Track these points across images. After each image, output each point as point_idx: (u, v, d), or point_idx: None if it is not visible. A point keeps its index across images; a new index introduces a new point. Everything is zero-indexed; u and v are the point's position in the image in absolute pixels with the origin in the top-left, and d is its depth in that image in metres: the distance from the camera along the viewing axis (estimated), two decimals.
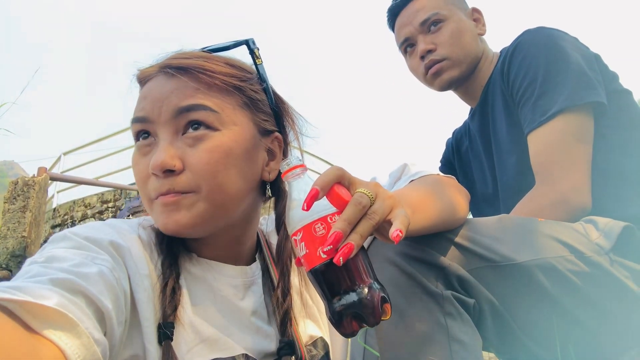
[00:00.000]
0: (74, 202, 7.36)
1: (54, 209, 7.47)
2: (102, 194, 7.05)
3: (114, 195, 6.97)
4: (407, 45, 1.35)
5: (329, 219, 0.59)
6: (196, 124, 0.71)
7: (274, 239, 0.89)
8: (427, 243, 0.79)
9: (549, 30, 1.13)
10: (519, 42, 1.14)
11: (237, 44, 0.82)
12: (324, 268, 0.57)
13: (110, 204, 6.94)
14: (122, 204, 6.82)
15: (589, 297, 0.79)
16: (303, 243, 0.60)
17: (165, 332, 0.66)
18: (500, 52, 1.28)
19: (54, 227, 7.21)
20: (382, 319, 0.58)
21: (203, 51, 0.80)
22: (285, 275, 0.81)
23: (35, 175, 3.29)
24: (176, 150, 0.70)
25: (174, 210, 0.69)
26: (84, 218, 6.99)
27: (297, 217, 0.61)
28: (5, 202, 3.10)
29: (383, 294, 0.58)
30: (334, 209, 0.60)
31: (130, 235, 0.72)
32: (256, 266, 0.84)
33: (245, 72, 0.79)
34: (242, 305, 0.78)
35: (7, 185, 3.24)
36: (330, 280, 0.58)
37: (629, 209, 0.98)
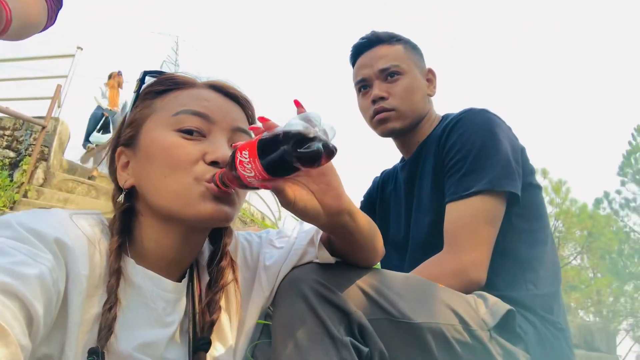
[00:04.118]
0: None
1: None
2: (1, 119, 6.43)
3: (14, 124, 6.38)
4: (362, 85, 1.42)
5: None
6: None
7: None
8: (340, 286, 0.84)
9: (490, 115, 1.24)
10: (462, 118, 1.24)
11: None
12: (263, 143, 0.65)
13: (7, 132, 6.35)
14: (22, 136, 6.26)
15: None
16: (240, 166, 0.67)
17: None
18: (443, 117, 1.38)
19: None
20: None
21: None
22: (217, 293, 0.84)
23: None
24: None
25: (226, 202, 0.76)
26: None
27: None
28: None
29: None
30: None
31: (76, 231, 0.72)
32: (183, 283, 0.85)
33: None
34: (168, 320, 0.80)
35: None
36: (270, 147, 0.64)
37: (512, 291, 1.11)
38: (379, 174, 1.63)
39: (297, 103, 0.71)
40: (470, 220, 1.11)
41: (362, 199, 1.64)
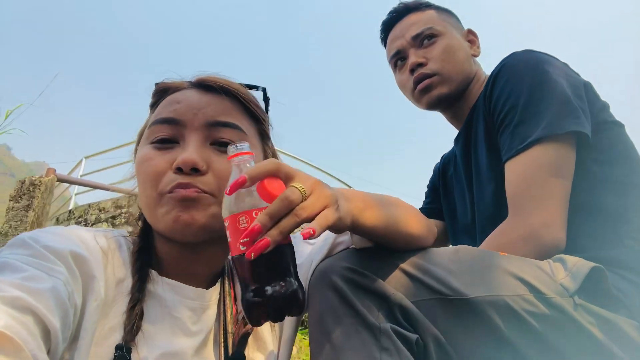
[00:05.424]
0: (89, 205, 7.44)
1: (70, 211, 7.56)
2: (117, 199, 7.12)
3: (128, 202, 7.03)
4: (397, 59, 1.30)
5: (253, 214, 0.59)
6: (226, 140, 0.76)
7: None
8: (375, 270, 0.74)
9: (535, 54, 1.06)
10: (503, 65, 1.08)
11: (251, 87, 0.87)
12: (241, 259, 0.58)
13: (123, 210, 7.00)
14: (136, 211, 6.86)
15: (548, 343, 0.72)
16: (228, 232, 0.60)
17: (125, 355, 0.66)
18: (491, 74, 1.22)
19: None
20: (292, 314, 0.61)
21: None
22: None
23: (43, 176, 3.33)
24: (203, 154, 0.73)
25: (191, 207, 0.70)
26: (97, 221, 7.04)
27: (226, 204, 0.61)
28: (10, 200, 3.14)
29: (294, 294, 0.59)
30: (263, 204, 0.59)
31: (91, 243, 0.72)
32: (214, 290, 0.81)
33: (263, 109, 0.87)
34: (194, 329, 0.76)
35: None
36: (245, 271, 0.59)
37: (605, 250, 0.90)
38: (439, 160, 1.48)
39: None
40: (533, 175, 0.93)
41: (426, 189, 1.50)
